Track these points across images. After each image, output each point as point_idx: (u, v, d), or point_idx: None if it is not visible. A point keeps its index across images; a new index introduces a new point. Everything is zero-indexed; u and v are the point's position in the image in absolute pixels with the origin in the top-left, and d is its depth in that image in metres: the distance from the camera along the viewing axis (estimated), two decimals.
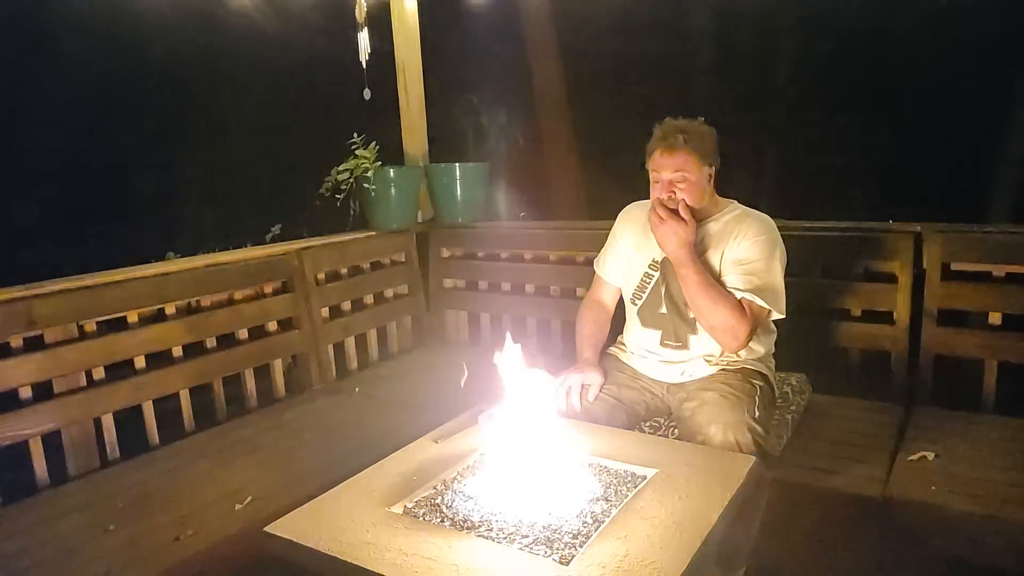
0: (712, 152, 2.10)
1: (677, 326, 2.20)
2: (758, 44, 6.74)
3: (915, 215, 2.76)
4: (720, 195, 2.20)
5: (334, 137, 3.49)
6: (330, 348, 3.15)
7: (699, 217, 2.12)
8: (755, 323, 2.06)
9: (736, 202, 2.22)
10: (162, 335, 2.55)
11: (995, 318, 2.47)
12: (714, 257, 2.12)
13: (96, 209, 7.16)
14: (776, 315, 2.09)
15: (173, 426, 2.59)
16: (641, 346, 2.29)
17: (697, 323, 2.13)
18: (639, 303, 2.28)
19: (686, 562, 1.32)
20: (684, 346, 2.19)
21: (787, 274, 2.73)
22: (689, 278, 2.03)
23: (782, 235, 2.80)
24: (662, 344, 2.22)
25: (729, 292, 2.05)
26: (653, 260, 2.23)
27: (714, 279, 2.07)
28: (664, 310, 2.22)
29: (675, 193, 2.08)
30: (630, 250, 2.31)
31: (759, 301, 2.03)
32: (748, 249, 2.08)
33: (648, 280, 2.25)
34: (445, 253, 3.63)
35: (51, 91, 6.95)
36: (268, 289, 2.94)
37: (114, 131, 7.39)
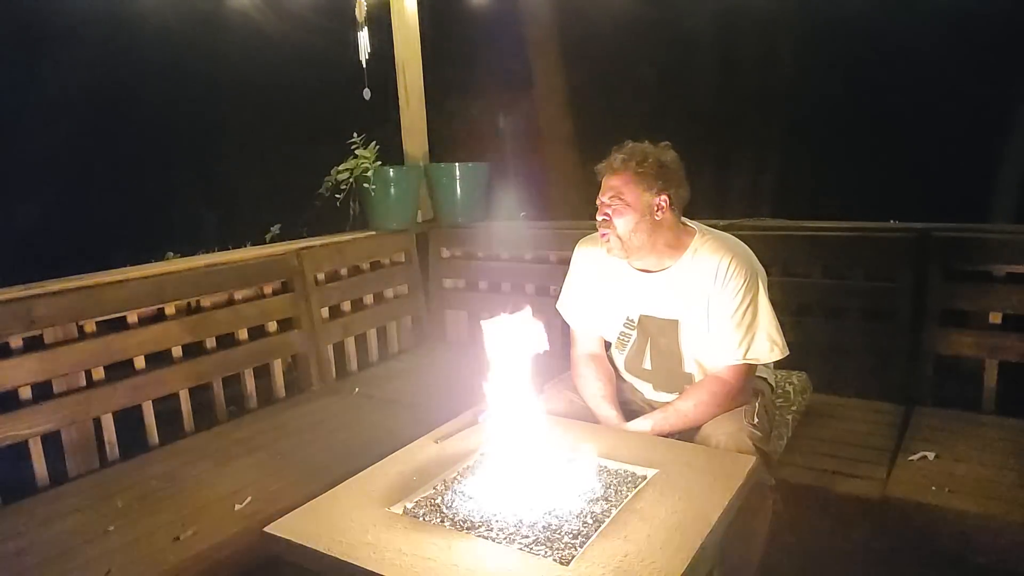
0: (662, 180, 1.93)
1: (669, 379, 2.10)
2: (760, 44, 6.73)
3: (916, 215, 2.76)
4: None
5: (334, 137, 3.49)
6: (330, 348, 3.15)
7: (665, 255, 2.01)
8: (751, 376, 2.01)
9: (695, 226, 2.05)
10: (161, 335, 2.55)
11: (995, 318, 2.47)
12: (699, 300, 1.97)
13: (96, 209, 7.16)
14: (779, 357, 2.00)
15: (173, 426, 2.59)
16: (632, 387, 2.21)
17: (693, 375, 2.07)
18: (623, 353, 2.17)
19: (686, 562, 1.32)
20: (680, 391, 2.06)
21: (788, 274, 2.76)
22: (676, 427, 1.95)
23: (783, 235, 2.83)
24: (655, 391, 2.15)
25: (706, 382, 1.98)
26: (628, 319, 2.11)
27: (703, 326, 1.97)
28: (649, 366, 2.12)
29: (608, 215, 1.95)
30: (598, 298, 2.16)
31: (754, 362, 1.98)
32: (733, 297, 1.93)
33: (626, 338, 2.14)
34: (445, 253, 3.63)
35: (50, 91, 6.95)
36: (268, 289, 2.94)
37: (113, 131, 7.39)
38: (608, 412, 2.05)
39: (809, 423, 2.38)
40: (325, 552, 1.41)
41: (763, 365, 2.12)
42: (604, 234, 2.00)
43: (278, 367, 2.97)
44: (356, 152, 3.37)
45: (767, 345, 1.96)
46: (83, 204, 7.17)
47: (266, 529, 1.51)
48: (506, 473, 1.63)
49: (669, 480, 1.62)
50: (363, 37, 3.33)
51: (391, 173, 3.44)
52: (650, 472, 1.67)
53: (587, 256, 2.20)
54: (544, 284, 3.30)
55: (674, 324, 2.04)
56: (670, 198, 1.95)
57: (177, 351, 2.61)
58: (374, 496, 1.62)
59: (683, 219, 2.05)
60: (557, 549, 1.40)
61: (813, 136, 6.42)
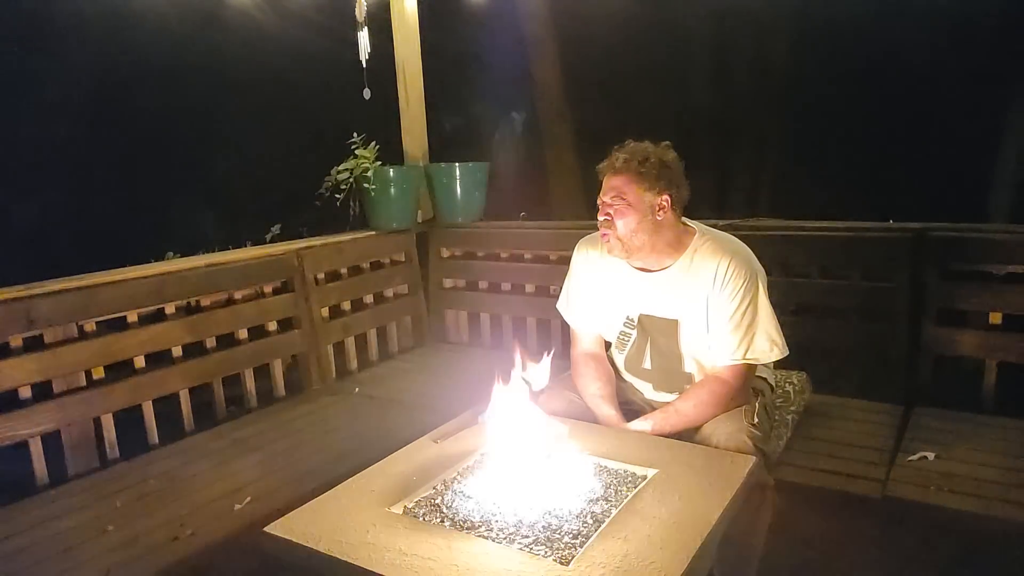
0: (664, 180, 1.93)
1: (669, 378, 2.10)
2: (758, 43, 6.74)
3: (915, 215, 2.76)
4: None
5: (334, 137, 3.49)
6: (330, 348, 3.15)
7: (665, 255, 2.01)
8: (750, 376, 2.01)
9: (695, 226, 2.05)
10: (162, 335, 2.55)
11: (995, 318, 2.47)
12: (699, 300, 1.97)
13: (95, 209, 7.16)
14: (779, 357, 2.00)
15: (173, 426, 2.59)
16: (632, 387, 2.21)
17: (693, 375, 2.07)
18: (623, 353, 2.17)
19: (686, 562, 1.32)
20: (680, 391, 2.07)
21: (787, 274, 2.76)
22: (676, 427, 1.94)
23: (782, 235, 2.83)
24: (655, 391, 2.15)
25: (706, 382, 1.98)
26: (628, 318, 2.11)
27: (702, 326, 1.97)
28: (648, 366, 2.12)
29: (609, 215, 1.94)
30: (598, 298, 2.16)
31: (754, 362, 1.97)
32: (733, 297, 1.93)
33: (627, 337, 2.14)
34: (445, 253, 3.63)
35: (50, 91, 6.95)
36: (268, 289, 2.94)
37: (113, 130, 7.39)
38: (608, 412, 2.05)
39: (809, 423, 2.38)
40: (325, 552, 1.41)
41: (763, 365, 2.11)
42: (605, 234, 1.99)
43: (278, 367, 2.97)
44: (356, 152, 3.37)
45: (767, 345, 1.96)
46: (83, 204, 7.17)
47: (266, 529, 1.51)
48: (506, 473, 1.63)
49: (669, 480, 1.62)
50: (363, 37, 3.32)
51: (391, 173, 3.44)
52: (650, 472, 1.67)
53: (587, 256, 2.20)
54: (544, 284, 3.30)
55: (674, 324, 2.04)
56: (671, 198, 1.95)
57: (177, 351, 2.61)
58: (374, 496, 1.62)
59: (683, 219, 2.05)
60: (557, 549, 1.40)
61: (811, 136, 6.43)
